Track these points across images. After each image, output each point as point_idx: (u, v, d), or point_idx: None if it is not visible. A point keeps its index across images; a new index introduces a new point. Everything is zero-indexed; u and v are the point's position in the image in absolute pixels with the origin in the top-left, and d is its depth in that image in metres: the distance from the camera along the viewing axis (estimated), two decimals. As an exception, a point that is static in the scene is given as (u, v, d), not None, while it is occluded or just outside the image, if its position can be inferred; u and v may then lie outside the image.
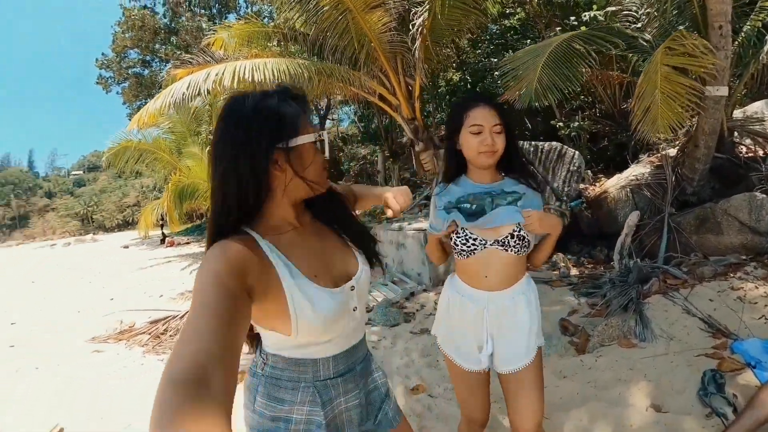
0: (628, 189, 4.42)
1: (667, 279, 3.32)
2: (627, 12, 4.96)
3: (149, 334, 4.49)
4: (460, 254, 1.37)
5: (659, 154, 4.94)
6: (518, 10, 7.72)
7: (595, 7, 5.37)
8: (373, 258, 1.05)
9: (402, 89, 6.45)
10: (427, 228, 1.51)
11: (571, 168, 4.79)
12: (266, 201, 0.85)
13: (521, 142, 5.39)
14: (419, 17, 5.46)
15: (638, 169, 4.83)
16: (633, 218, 3.78)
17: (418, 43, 5.65)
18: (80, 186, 71.21)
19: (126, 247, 17.80)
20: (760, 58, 3.58)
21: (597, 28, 4.20)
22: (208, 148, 9.75)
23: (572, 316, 3.19)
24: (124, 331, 4.75)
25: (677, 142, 4.88)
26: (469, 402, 1.48)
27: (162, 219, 10.69)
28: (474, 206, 1.35)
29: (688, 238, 3.81)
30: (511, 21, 7.83)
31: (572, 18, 5.77)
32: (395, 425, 1.09)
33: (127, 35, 17.55)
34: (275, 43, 7.44)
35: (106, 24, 22.65)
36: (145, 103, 17.91)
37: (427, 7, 5.32)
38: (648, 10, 4.69)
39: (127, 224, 47.31)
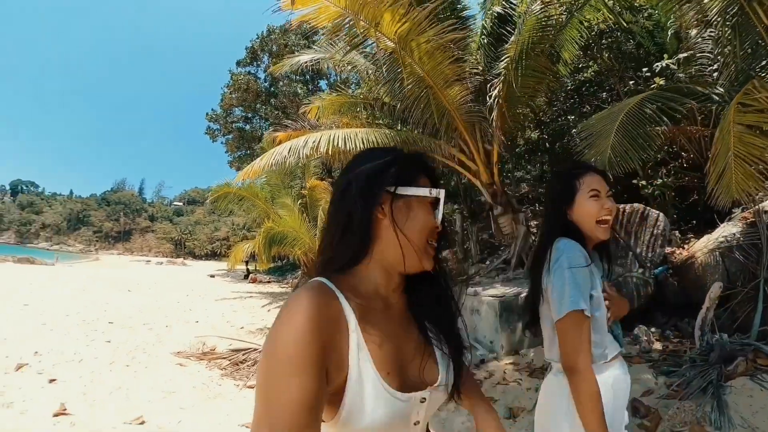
0: (717, 252, 4.16)
1: (758, 358, 3.16)
2: (701, 54, 4.87)
3: (229, 360, 5.08)
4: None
5: (752, 210, 4.68)
6: (591, 63, 7.79)
7: (666, 56, 5.37)
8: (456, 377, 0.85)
9: (480, 155, 6.80)
10: (580, 307, 1.18)
11: (656, 231, 4.57)
12: (363, 256, 0.77)
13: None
14: (494, 89, 5.93)
15: (729, 229, 4.52)
16: (715, 290, 3.61)
17: (495, 113, 6.05)
18: (179, 215, 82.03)
19: (212, 276, 20.29)
20: None
21: (667, 88, 4.19)
22: (299, 201, 11.35)
23: (646, 397, 3.15)
24: (207, 353, 5.42)
25: (735, 198, 4.60)
26: None
27: (249, 256, 12.33)
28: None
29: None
30: (586, 74, 7.91)
31: (644, 69, 5.80)
32: None
33: (233, 95, 21.17)
34: (362, 111, 8.46)
35: (217, 86, 26.85)
36: (245, 153, 21.85)
37: (502, 78, 5.77)
38: (723, 48, 4.51)
39: (214, 255, 52.99)
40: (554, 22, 5.49)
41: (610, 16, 5.73)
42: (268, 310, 9.53)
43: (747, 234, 4.26)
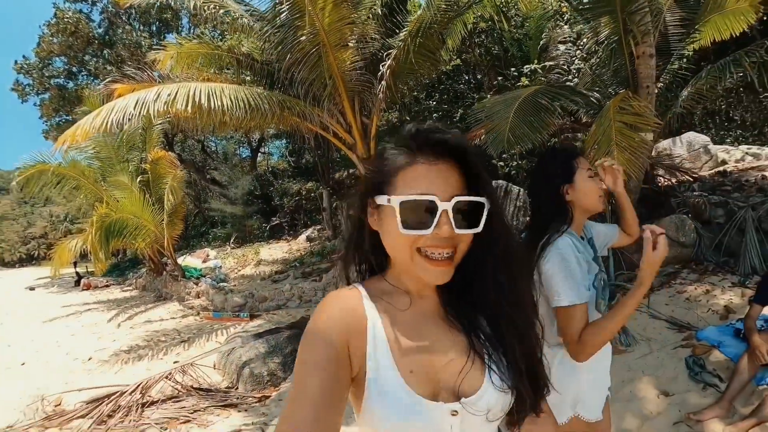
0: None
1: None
2: (559, 66, 5.93)
3: (90, 418, 3.56)
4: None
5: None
6: (455, 57, 8.60)
7: (535, 61, 6.30)
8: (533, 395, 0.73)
9: (358, 128, 6.62)
10: (581, 301, 1.25)
11: (518, 204, 5.41)
12: (388, 262, 0.75)
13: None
14: (388, 58, 5.85)
15: None
16: None
17: (384, 83, 5.97)
18: (-29, 211, 57.51)
19: (32, 288, 15.04)
20: (675, 109, 4.59)
21: (557, 85, 4.95)
22: (139, 178, 8.97)
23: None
24: (51, 416, 3.70)
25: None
26: None
27: (78, 256, 9.36)
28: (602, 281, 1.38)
29: (630, 256, 4.55)
30: (446, 67, 8.57)
31: (512, 69, 6.68)
32: None
33: (55, 39, 15.32)
34: (227, 68, 7.29)
35: (33, 22, 19.59)
36: (65, 120, 15.99)
37: (396, 51, 5.74)
38: (579, 66, 5.66)
39: (31, 259, 40.11)
40: (455, 7, 5.74)
41: (496, 17, 6.35)
42: (118, 325, 7.32)
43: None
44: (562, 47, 5.99)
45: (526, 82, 6.18)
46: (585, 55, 5.62)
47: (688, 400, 2.38)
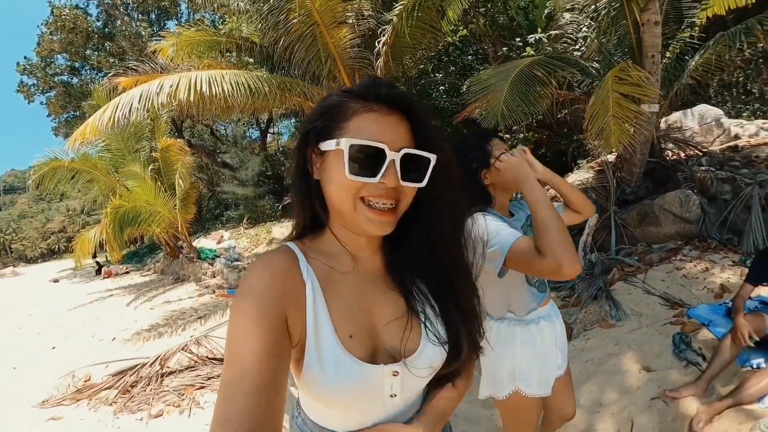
0: (577, 192, 5.11)
1: (624, 268, 3.93)
2: (567, 35, 5.69)
3: (116, 388, 3.90)
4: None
5: (599, 160, 5.72)
6: (461, 27, 8.34)
7: (539, 30, 6.06)
8: (469, 348, 0.75)
9: None
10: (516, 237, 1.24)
11: None
12: (327, 218, 0.73)
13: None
14: (384, 35, 5.74)
15: (581, 174, 5.55)
16: (593, 219, 4.34)
17: (381, 59, 5.90)
18: (-6, 211, 60.27)
19: (56, 281, 15.75)
20: (682, 80, 4.39)
21: (554, 56, 4.76)
22: (150, 167, 9.19)
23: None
24: (82, 389, 4.04)
25: (613, 150, 5.70)
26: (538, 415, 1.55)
27: (96, 246, 9.81)
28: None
29: (633, 231, 4.50)
30: (453, 38, 8.38)
31: (518, 39, 6.44)
32: None
33: (55, 38, 15.44)
34: (228, 53, 7.27)
35: (32, 22, 19.93)
36: (74, 115, 16.35)
37: (393, 26, 5.62)
38: (586, 34, 5.41)
39: (52, 253, 41.65)
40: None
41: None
42: (135, 308, 7.72)
43: (597, 178, 5.22)
44: (567, 15, 5.72)
45: (531, 52, 5.96)
46: (591, 24, 5.36)
47: (669, 377, 2.41)
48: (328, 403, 0.70)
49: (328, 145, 0.66)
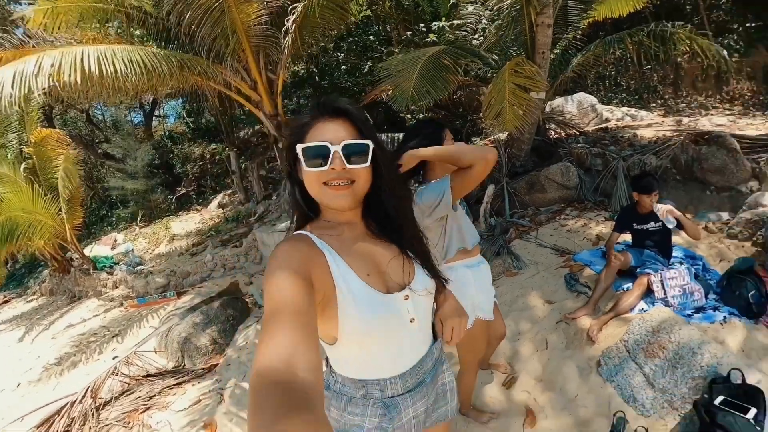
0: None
1: (519, 228, 4.58)
2: (468, 24, 6.26)
3: None
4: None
5: (492, 138, 6.45)
6: (365, 8, 8.30)
7: (443, 18, 6.52)
8: (432, 272, 1.02)
9: (264, 84, 6.39)
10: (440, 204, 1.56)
11: None
12: (318, 206, 0.95)
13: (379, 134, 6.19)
14: (293, 14, 5.61)
15: None
16: (490, 190, 4.92)
17: (289, 37, 5.72)
18: None
19: None
20: (566, 73, 5.21)
21: (460, 47, 5.22)
22: (23, 166, 7.62)
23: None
24: None
25: (507, 130, 6.46)
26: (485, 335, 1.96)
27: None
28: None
29: (523, 197, 5.20)
30: (356, 17, 8.22)
31: (422, 25, 6.84)
32: (449, 418, 1.16)
33: None
34: (114, 24, 6.45)
35: None
36: None
37: (303, 4, 5.52)
38: (485, 26, 6.00)
39: None
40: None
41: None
42: (32, 341, 6.32)
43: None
44: (470, 7, 6.27)
45: (434, 38, 6.37)
46: (492, 17, 5.97)
47: (566, 305, 2.98)
48: (363, 342, 0.91)
49: (296, 153, 0.88)
